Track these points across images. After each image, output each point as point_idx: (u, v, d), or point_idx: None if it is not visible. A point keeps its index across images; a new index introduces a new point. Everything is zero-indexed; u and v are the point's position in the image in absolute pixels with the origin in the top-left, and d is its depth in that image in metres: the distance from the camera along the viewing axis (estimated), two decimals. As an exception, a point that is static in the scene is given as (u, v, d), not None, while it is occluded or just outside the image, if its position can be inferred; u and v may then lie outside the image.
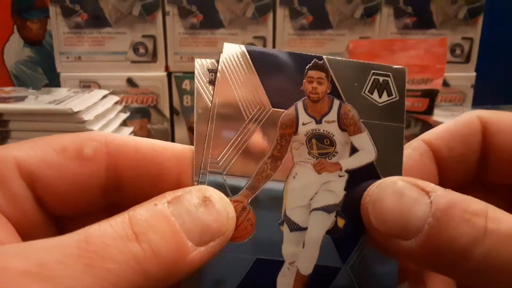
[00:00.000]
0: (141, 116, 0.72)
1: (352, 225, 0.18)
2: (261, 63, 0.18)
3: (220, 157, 0.17)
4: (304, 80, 0.18)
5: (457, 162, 0.19)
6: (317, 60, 0.18)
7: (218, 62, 0.18)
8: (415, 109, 0.58)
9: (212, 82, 0.18)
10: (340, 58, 0.19)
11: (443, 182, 0.19)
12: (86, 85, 0.69)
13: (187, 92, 0.71)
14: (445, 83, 0.70)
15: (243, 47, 0.18)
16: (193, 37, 0.70)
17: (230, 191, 0.17)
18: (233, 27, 0.70)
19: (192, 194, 0.15)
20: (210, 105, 0.18)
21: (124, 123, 0.65)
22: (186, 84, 0.71)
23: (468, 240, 0.14)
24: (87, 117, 0.52)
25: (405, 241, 0.15)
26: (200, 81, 0.18)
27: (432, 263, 0.15)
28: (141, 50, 0.70)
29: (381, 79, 0.18)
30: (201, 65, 0.18)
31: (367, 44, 0.66)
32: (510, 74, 0.79)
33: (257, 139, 0.18)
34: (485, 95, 0.72)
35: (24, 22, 0.80)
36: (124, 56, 0.70)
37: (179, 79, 0.71)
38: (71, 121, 0.51)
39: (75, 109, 0.50)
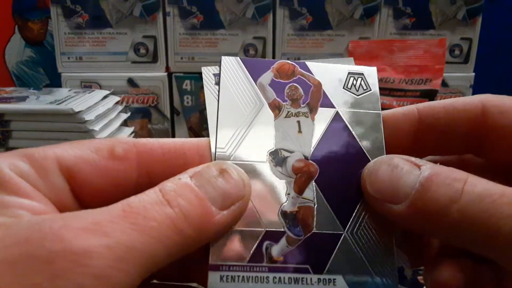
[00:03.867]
0: (141, 116, 0.72)
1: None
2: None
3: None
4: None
5: (441, 132, 0.21)
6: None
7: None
8: (414, 109, 0.59)
9: (218, 83, 0.22)
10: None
11: (420, 146, 0.21)
12: (87, 85, 0.70)
13: (188, 93, 0.72)
14: (444, 83, 0.70)
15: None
16: (193, 38, 0.70)
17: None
18: (233, 27, 0.70)
19: (211, 168, 0.18)
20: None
21: (125, 123, 0.66)
22: (186, 85, 0.71)
23: (446, 199, 0.17)
24: (88, 117, 0.52)
25: (395, 205, 0.18)
26: (209, 84, 0.22)
27: (417, 223, 0.18)
28: (142, 51, 0.70)
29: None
30: (207, 71, 0.22)
31: (366, 44, 0.67)
32: (508, 74, 0.80)
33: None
34: (484, 95, 0.72)
35: (25, 22, 0.80)
36: (125, 56, 0.70)
37: (179, 80, 0.71)
38: (72, 121, 0.52)
39: (76, 109, 0.51)
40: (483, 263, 0.21)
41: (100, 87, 0.69)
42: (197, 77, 0.71)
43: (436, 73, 0.62)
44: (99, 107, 0.57)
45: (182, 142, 0.20)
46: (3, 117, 0.52)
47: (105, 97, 0.61)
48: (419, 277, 0.43)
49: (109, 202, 0.18)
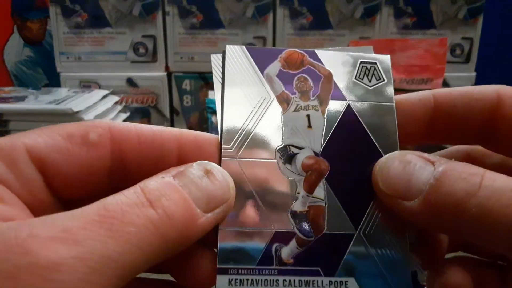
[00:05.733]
0: (141, 116, 0.72)
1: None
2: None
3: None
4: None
5: (456, 120, 0.20)
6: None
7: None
8: (415, 109, 0.59)
9: (222, 74, 0.20)
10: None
11: (433, 134, 0.21)
12: (86, 85, 0.70)
13: (187, 92, 0.71)
14: (445, 83, 0.70)
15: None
16: (193, 37, 0.70)
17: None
18: (233, 27, 0.70)
19: (195, 168, 0.17)
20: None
21: (124, 123, 0.65)
22: (186, 84, 0.71)
23: (463, 193, 0.16)
24: (87, 117, 0.52)
25: (408, 202, 0.17)
26: (217, 73, 0.21)
27: (431, 220, 0.17)
28: (141, 50, 0.70)
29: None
30: (216, 59, 0.21)
31: (367, 44, 0.66)
32: (509, 74, 0.79)
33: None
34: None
35: (24, 22, 0.80)
36: (124, 56, 0.70)
37: (179, 79, 0.71)
38: (71, 121, 0.51)
39: (75, 109, 0.51)
40: (487, 264, 0.21)
41: (99, 87, 0.69)
42: (197, 77, 0.71)
43: (437, 72, 0.62)
44: (98, 107, 0.57)
45: (161, 131, 0.18)
46: (2, 117, 0.52)
47: (104, 97, 0.61)
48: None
49: (83, 191, 0.18)
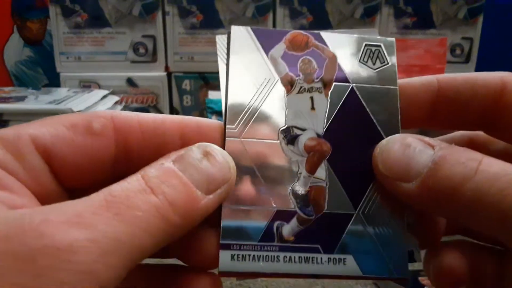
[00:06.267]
0: (141, 116, 0.72)
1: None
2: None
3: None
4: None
5: (459, 105, 0.20)
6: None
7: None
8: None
9: (227, 55, 0.21)
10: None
11: (436, 119, 0.21)
12: (86, 85, 0.70)
13: (187, 92, 0.71)
14: (445, 83, 0.70)
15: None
16: (193, 37, 0.70)
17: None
18: (233, 27, 0.70)
19: (194, 151, 0.17)
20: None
21: (124, 123, 0.65)
22: (186, 84, 0.71)
23: (459, 177, 0.16)
24: (87, 117, 0.52)
25: (406, 184, 0.17)
26: (223, 55, 0.21)
27: (428, 202, 0.17)
28: (141, 50, 0.70)
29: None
30: (222, 40, 0.21)
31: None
32: (510, 74, 0.79)
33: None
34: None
35: (24, 22, 0.80)
36: (124, 56, 0.70)
37: (179, 79, 0.71)
38: (71, 121, 0.51)
39: (75, 109, 0.51)
40: (485, 248, 0.21)
41: (99, 87, 0.69)
42: (197, 77, 0.71)
43: (437, 72, 0.62)
44: (98, 107, 0.57)
45: (162, 120, 0.19)
46: (1, 117, 0.52)
47: (104, 97, 0.61)
48: (420, 278, 0.43)
49: (88, 181, 0.18)
